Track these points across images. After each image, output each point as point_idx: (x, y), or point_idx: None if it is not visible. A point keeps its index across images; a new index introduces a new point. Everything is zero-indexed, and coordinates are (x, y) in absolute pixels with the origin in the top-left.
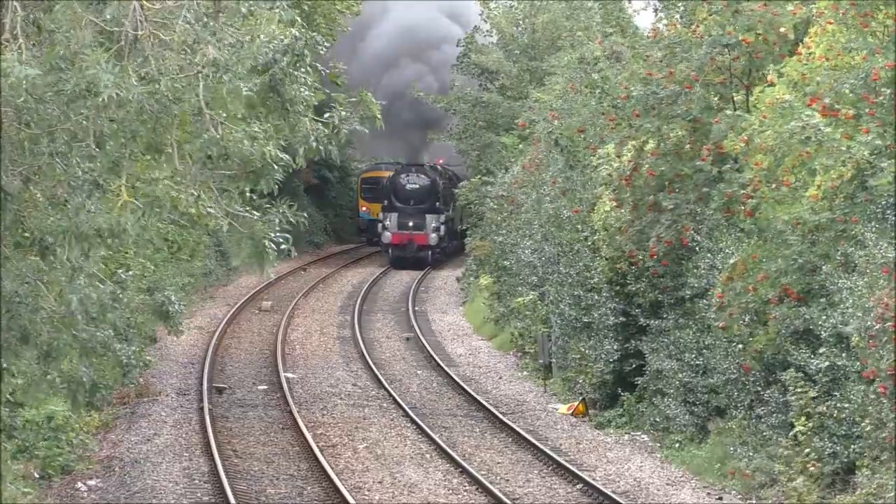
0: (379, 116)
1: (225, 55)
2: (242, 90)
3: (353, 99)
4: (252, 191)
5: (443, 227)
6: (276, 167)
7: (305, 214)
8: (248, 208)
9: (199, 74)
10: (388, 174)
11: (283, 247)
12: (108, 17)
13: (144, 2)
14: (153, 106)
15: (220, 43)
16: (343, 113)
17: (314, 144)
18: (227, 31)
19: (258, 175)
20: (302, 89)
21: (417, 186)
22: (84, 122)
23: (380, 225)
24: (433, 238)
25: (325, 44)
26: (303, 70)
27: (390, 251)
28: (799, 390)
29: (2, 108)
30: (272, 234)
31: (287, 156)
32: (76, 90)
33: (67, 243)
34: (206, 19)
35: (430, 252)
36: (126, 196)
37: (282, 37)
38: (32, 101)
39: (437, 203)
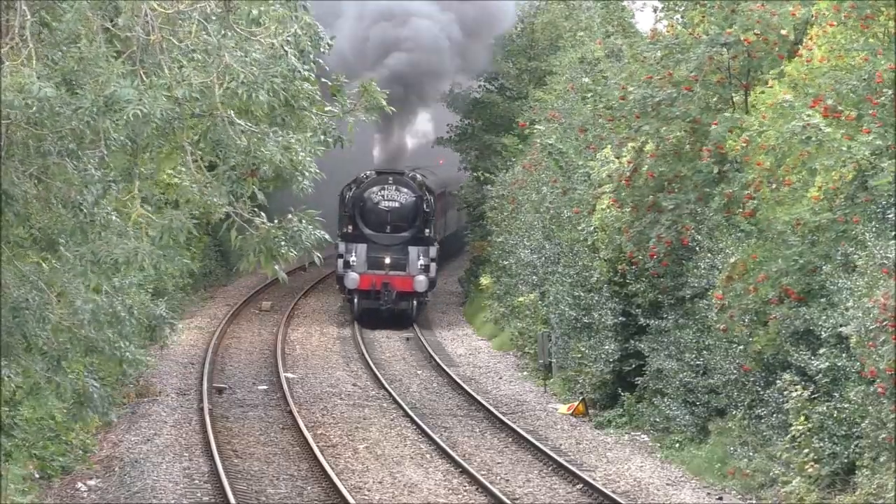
0: (385, 104)
1: (254, 72)
2: (268, 97)
3: (355, 90)
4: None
5: (433, 266)
6: (304, 174)
7: (327, 235)
8: (256, 210)
9: (228, 90)
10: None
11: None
12: (119, 23)
13: (154, 4)
14: (167, 114)
15: (246, 57)
16: (347, 103)
17: (323, 137)
18: (253, 44)
19: (285, 181)
20: (304, 84)
21: (398, 205)
22: (91, 121)
23: (340, 261)
24: (421, 282)
25: (329, 41)
26: (305, 65)
27: (356, 300)
28: (795, 393)
29: (8, 111)
30: (284, 242)
31: (314, 165)
32: (95, 108)
33: (86, 270)
34: (223, 29)
35: (414, 301)
36: (139, 210)
37: (288, 35)
38: (44, 112)
39: (427, 230)
